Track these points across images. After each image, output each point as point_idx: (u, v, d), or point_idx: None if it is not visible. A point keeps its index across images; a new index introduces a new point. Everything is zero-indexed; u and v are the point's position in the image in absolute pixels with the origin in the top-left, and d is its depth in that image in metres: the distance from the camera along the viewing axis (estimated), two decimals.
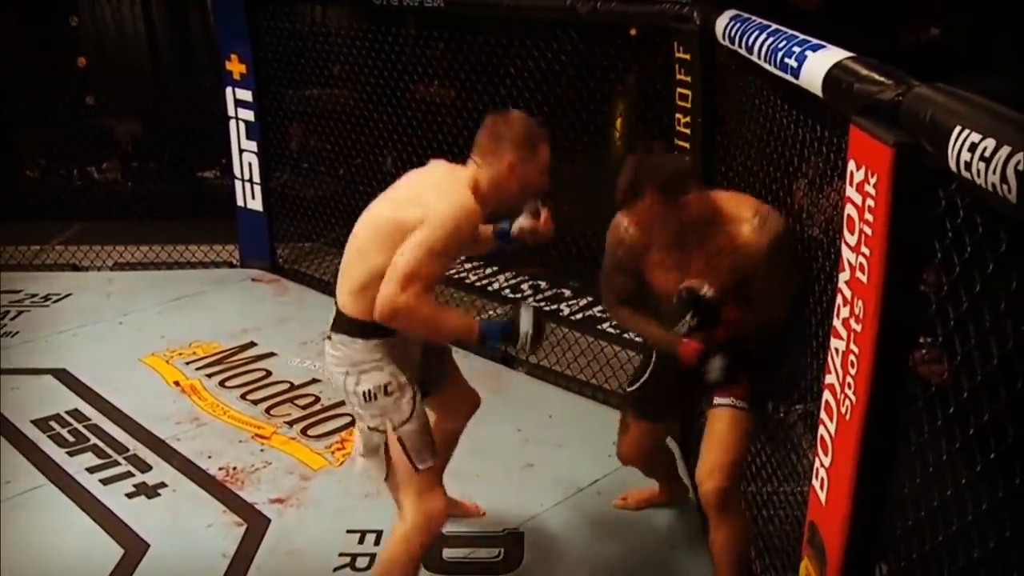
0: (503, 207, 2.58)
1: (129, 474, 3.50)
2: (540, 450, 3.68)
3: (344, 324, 2.47)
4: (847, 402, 1.73)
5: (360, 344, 2.44)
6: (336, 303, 2.51)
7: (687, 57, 3.20)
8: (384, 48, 4.85)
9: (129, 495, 3.38)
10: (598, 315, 4.89)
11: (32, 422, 3.84)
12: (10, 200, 6.56)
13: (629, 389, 2.98)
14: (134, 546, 3.09)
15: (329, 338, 2.52)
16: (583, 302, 5.04)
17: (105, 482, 3.44)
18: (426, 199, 2.37)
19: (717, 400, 2.57)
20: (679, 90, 3.28)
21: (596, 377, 4.16)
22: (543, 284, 5.28)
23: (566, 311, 4.96)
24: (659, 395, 2.87)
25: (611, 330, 4.67)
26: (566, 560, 3.05)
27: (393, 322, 2.34)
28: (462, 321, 2.57)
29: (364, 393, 2.44)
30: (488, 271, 5.51)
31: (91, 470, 3.52)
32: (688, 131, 3.27)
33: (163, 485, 3.43)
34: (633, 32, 4.02)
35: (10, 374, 4.26)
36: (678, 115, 3.31)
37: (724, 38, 2.79)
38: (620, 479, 3.46)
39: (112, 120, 7.18)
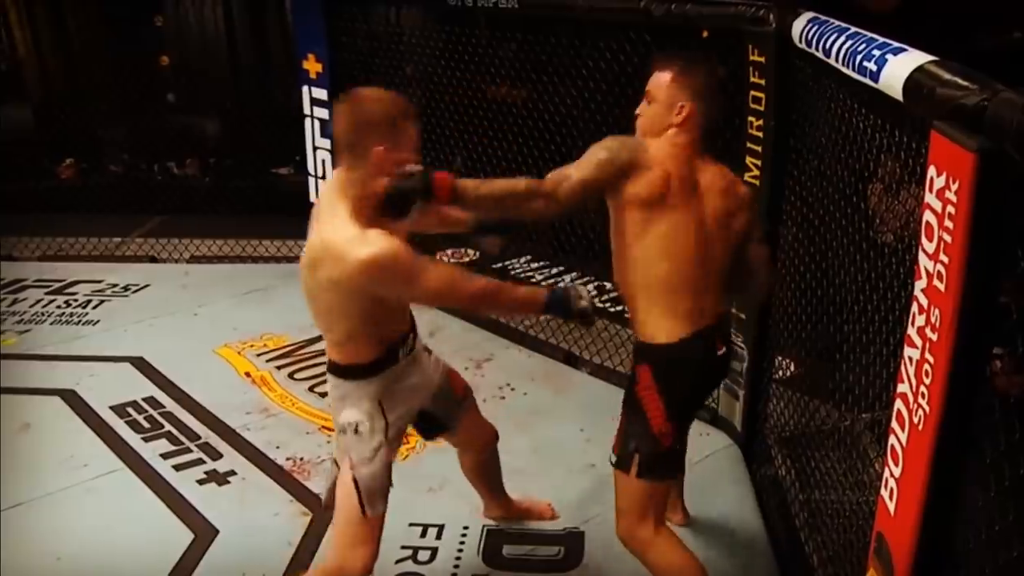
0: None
1: (201, 461, 3.57)
2: (602, 451, 3.62)
3: (332, 366, 2.38)
4: (920, 412, 1.68)
5: (343, 383, 2.36)
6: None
7: (762, 60, 3.14)
8: (456, 49, 4.86)
9: (200, 482, 3.44)
10: None
11: (110, 408, 3.94)
12: (94, 194, 6.77)
13: None
14: (204, 531, 3.14)
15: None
16: None
17: (178, 468, 3.50)
18: (334, 250, 2.12)
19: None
20: (752, 93, 3.22)
21: None
22: (608, 285, 5.24)
23: None
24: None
25: None
26: (625, 561, 3.00)
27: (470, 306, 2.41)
28: (525, 293, 2.48)
29: (342, 426, 2.37)
30: (555, 271, 5.49)
31: (165, 456, 3.59)
32: (760, 134, 3.22)
33: (233, 473, 3.49)
34: (704, 34, 3.97)
35: (90, 360, 4.38)
36: (750, 118, 3.25)
37: (801, 41, 2.73)
38: (683, 483, 3.42)
39: (192, 118, 7.33)
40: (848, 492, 2.84)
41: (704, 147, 2.39)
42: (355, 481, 2.34)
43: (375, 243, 2.08)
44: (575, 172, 2.29)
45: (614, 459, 2.49)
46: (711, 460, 3.59)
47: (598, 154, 2.29)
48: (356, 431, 2.33)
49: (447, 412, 2.67)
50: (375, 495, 2.37)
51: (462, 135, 5.07)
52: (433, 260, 2.28)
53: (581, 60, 4.36)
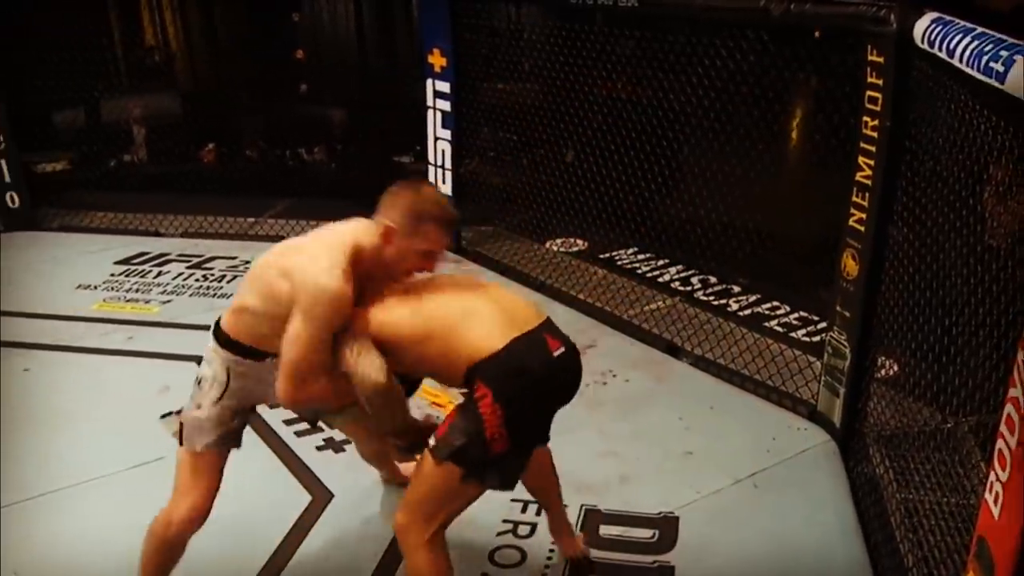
0: (379, 275, 2.35)
1: (319, 429, 3.65)
2: (700, 439, 3.59)
3: (218, 331, 2.47)
4: None
5: (217, 345, 2.46)
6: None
7: (880, 60, 3.02)
8: (574, 45, 4.83)
9: (319, 448, 3.52)
10: (764, 312, 4.73)
11: None
12: (232, 177, 7.02)
13: None
14: (320, 494, 3.22)
15: None
16: (751, 299, 4.88)
17: (299, 435, 3.59)
18: (295, 267, 2.25)
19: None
20: (868, 93, 3.09)
21: (760, 373, 4.02)
22: (713, 279, 5.15)
23: (734, 307, 4.82)
24: None
25: (778, 328, 4.53)
26: (718, 548, 2.96)
27: (296, 408, 2.44)
28: (350, 395, 2.36)
29: (197, 378, 2.49)
30: (660, 262, 5.42)
31: (287, 422, 3.67)
32: (875, 134, 3.09)
33: (348, 442, 3.56)
34: (816, 34, 3.85)
35: None
36: (865, 118, 3.12)
37: (923, 41, 2.61)
38: (778, 474, 3.34)
39: (322, 108, 7.52)
40: (948, 494, 2.72)
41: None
42: (184, 420, 2.47)
43: (334, 292, 2.19)
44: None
45: (431, 443, 2.28)
46: (807, 455, 3.49)
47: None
48: (199, 383, 2.47)
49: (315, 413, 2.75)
50: (193, 435, 2.45)
51: (575, 129, 5.05)
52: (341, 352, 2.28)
53: (697, 58, 4.27)
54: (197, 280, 5.31)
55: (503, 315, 2.27)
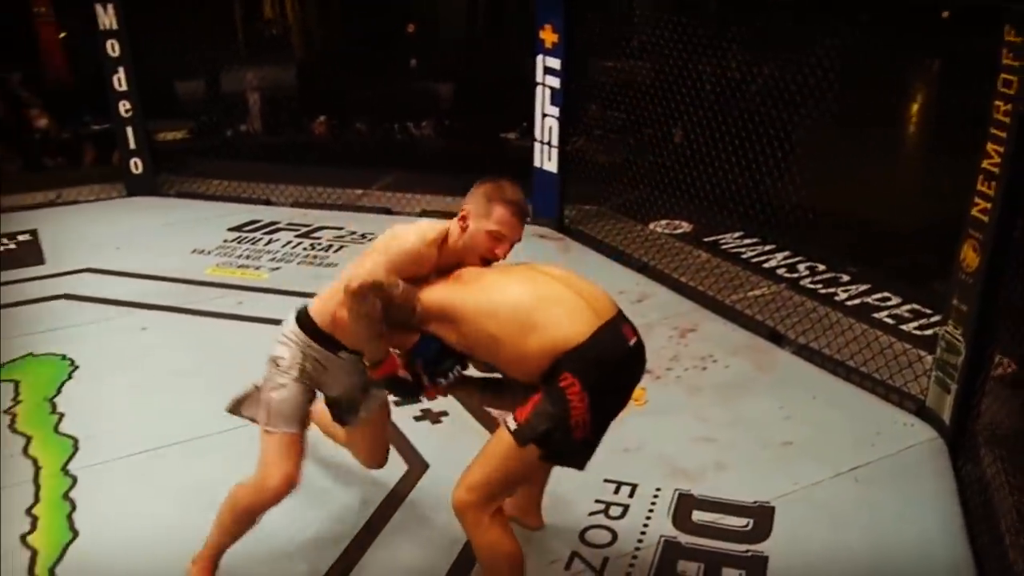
0: (455, 262, 2.43)
1: (418, 400, 3.69)
2: (800, 429, 3.50)
3: (303, 316, 2.56)
4: None
5: (298, 329, 2.54)
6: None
7: (1018, 40, 2.85)
8: (684, 26, 4.74)
9: (416, 418, 3.56)
10: (874, 303, 4.57)
11: None
12: (342, 148, 7.16)
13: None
14: (416, 464, 3.27)
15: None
16: (860, 288, 4.72)
17: (397, 404, 3.64)
18: (402, 226, 2.45)
19: (509, 420, 2.29)
20: (1003, 76, 2.93)
21: (866, 365, 3.89)
22: (821, 267, 4.99)
23: (842, 296, 4.67)
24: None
25: (888, 320, 4.36)
26: (813, 541, 2.88)
27: (347, 298, 2.36)
28: (381, 349, 2.40)
29: (270, 356, 2.56)
30: (767, 247, 5.29)
31: None
32: (1007, 120, 2.92)
33: (445, 414, 3.60)
34: (944, 15, 3.66)
35: None
36: (997, 102, 2.96)
37: None
38: (881, 469, 3.23)
39: (430, 82, 7.59)
40: None
41: None
42: (266, 404, 2.52)
43: (425, 238, 2.37)
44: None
45: (515, 427, 2.26)
46: (913, 451, 3.37)
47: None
48: (276, 364, 2.54)
49: (346, 414, 2.77)
50: (277, 417, 2.50)
51: (683, 109, 4.95)
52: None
53: (814, 39, 4.13)
54: (305, 249, 5.44)
55: (585, 303, 2.28)
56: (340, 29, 8.07)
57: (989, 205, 3.08)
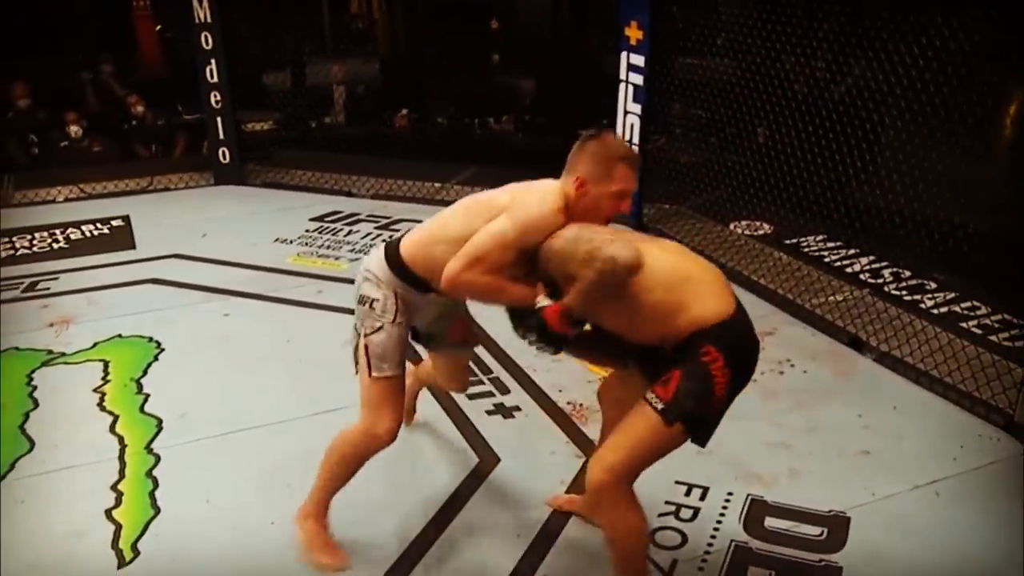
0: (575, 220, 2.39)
1: (491, 394, 3.72)
2: (879, 439, 3.41)
3: (392, 252, 2.56)
4: None
5: (387, 269, 2.54)
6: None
7: None
8: (771, 23, 4.65)
9: (489, 412, 3.58)
10: (962, 312, 4.42)
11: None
12: (422, 143, 7.22)
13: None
14: (488, 457, 3.28)
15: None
16: (947, 296, 4.57)
17: (471, 397, 3.67)
18: (516, 190, 2.42)
19: (645, 395, 2.26)
20: None
21: (951, 376, 3.76)
22: (906, 273, 4.85)
23: (927, 303, 4.52)
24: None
25: (975, 330, 4.21)
26: (889, 555, 2.81)
27: (452, 292, 2.42)
28: (524, 291, 2.37)
29: (360, 296, 2.58)
30: (850, 251, 5.17)
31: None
32: None
33: (518, 408, 3.61)
34: None
35: None
36: None
37: None
38: (962, 482, 3.13)
39: (512, 78, 7.60)
40: None
41: None
42: (365, 347, 2.54)
43: (551, 208, 2.34)
44: (596, 234, 2.30)
45: (662, 406, 2.21)
46: (998, 467, 3.25)
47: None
48: (371, 306, 2.55)
49: (430, 340, 2.84)
50: (381, 360, 2.53)
51: (767, 108, 4.86)
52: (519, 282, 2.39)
53: (902, 37, 4.00)
54: (384, 240, 5.48)
55: (723, 284, 2.34)
56: (424, 24, 8.14)
57: None
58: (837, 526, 2.92)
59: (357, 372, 2.61)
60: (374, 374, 2.55)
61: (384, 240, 5.40)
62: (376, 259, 2.60)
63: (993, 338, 4.15)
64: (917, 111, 4.25)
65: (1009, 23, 3.58)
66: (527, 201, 2.36)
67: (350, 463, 2.63)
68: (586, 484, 2.32)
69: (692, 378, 2.21)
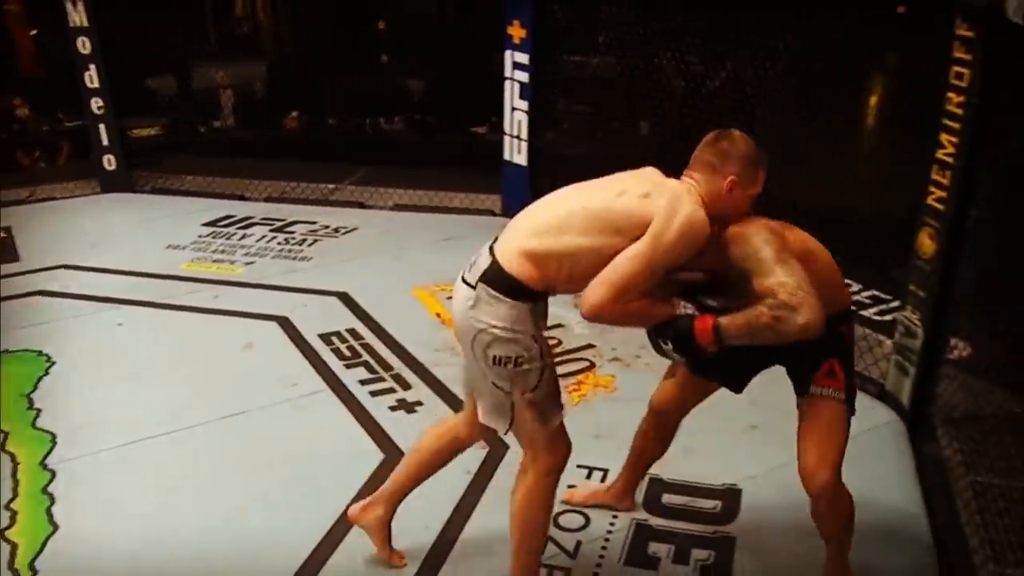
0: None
1: (393, 390, 3.69)
2: (766, 413, 3.52)
3: (496, 277, 2.19)
4: None
5: (507, 304, 2.17)
6: (492, 252, 2.26)
7: (970, 34, 2.89)
8: (650, 19, 4.75)
9: (392, 408, 3.56)
10: None
11: (318, 336, 4.14)
12: (314, 144, 7.11)
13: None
14: (392, 452, 3.25)
15: (469, 284, 2.24)
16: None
17: (373, 394, 3.64)
18: (657, 199, 2.15)
19: (819, 390, 2.37)
20: (955, 68, 2.97)
21: None
22: None
23: None
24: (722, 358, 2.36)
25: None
26: (779, 521, 2.92)
27: (596, 321, 2.18)
28: (667, 310, 2.24)
29: (494, 357, 2.20)
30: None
31: (363, 382, 3.74)
32: (959, 111, 2.97)
33: (420, 404, 3.60)
34: (901, 9, 3.70)
35: (303, 293, 4.62)
36: (950, 94, 3.00)
37: (1015, 14, 2.49)
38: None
39: (401, 78, 7.56)
40: (1019, 478, 2.64)
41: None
42: (530, 405, 2.26)
43: (701, 219, 2.14)
44: (794, 276, 2.09)
45: (841, 394, 2.37)
46: (874, 433, 3.40)
47: (781, 250, 2.18)
48: (516, 364, 2.20)
49: None
50: (548, 411, 2.29)
51: (649, 103, 4.97)
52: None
53: (771, 34, 4.15)
54: (279, 243, 5.41)
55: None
56: (310, 26, 8.01)
57: (944, 194, 3.13)
58: (730, 498, 3.02)
59: (508, 431, 2.34)
60: (550, 426, 2.31)
61: (279, 243, 5.35)
62: (485, 296, 2.19)
63: (865, 313, 4.35)
64: (787, 103, 4.42)
65: (867, 19, 3.75)
66: (673, 216, 2.11)
67: (542, 518, 2.42)
68: (814, 490, 2.37)
69: (847, 365, 2.41)
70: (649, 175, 2.31)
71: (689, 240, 2.13)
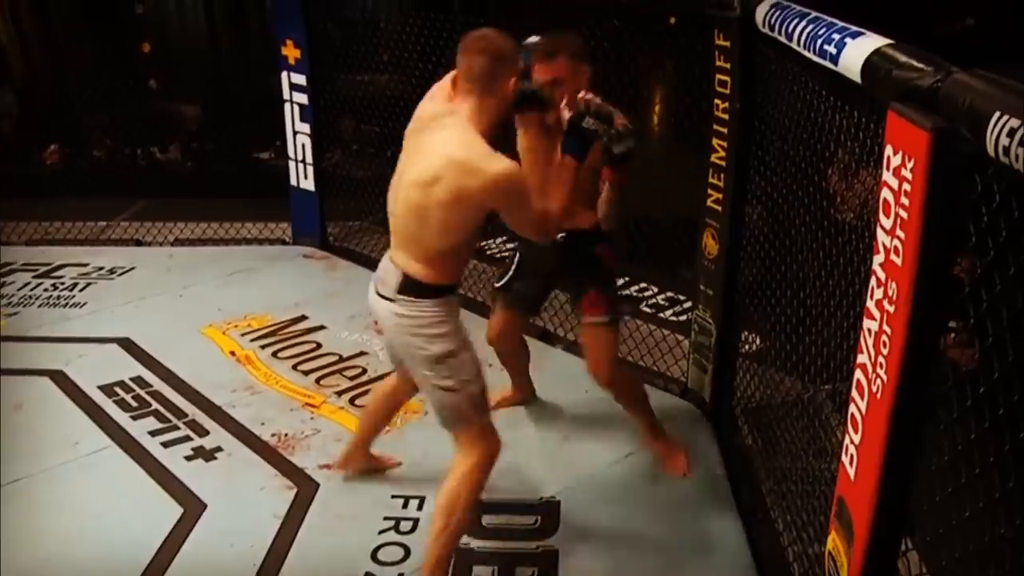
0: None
1: (188, 438, 3.55)
2: (576, 423, 3.68)
3: (411, 286, 2.42)
4: (878, 381, 1.71)
5: (427, 303, 2.43)
6: (396, 267, 2.47)
7: (727, 44, 3.15)
8: (431, 35, 4.82)
9: (188, 458, 3.42)
10: (634, 294, 4.86)
11: (99, 387, 3.91)
12: (79, 179, 6.67)
13: (497, 285, 3.40)
14: (192, 506, 3.14)
15: (388, 299, 2.47)
16: (621, 281, 4.98)
17: (166, 445, 3.49)
18: (466, 165, 2.26)
19: (588, 320, 3.13)
20: (718, 76, 3.22)
21: (632, 354, 4.13)
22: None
23: None
24: (526, 291, 3.33)
25: (647, 309, 4.65)
26: (600, 526, 3.05)
27: (558, 233, 2.69)
28: (562, 170, 2.52)
29: (434, 357, 2.45)
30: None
31: (153, 433, 3.57)
32: (726, 116, 3.23)
33: (219, 449, 3.48)
34: (672, 21, 3.97)
35: (78, 342, 4.33)
36: (716, 100, 3.26)
37: (764, 25, 2.74)
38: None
39: (173, 103, 7.26)
40: (811, 460, 2.87)
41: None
42: (470, 398, 2.50)
43: (506, 161, 2.25)
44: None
45: (605, 319, 3.11)
46: (680, 429, 3.61)
47: None
48: (451, 356, 2.45)
49: None
50: (482, 399, 2.55)
51: None
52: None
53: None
54: (46, 290, 5.05)
55: None
56: (65, 50, 7.54)
57: (721, 195, 3.38)
58: (549, 511, 3.12)
59: (453, 431, 2.58)
60: (485, 418, 2.57)
61: (46, 289, 4.99)
62: (407, 305, 2.44)
63: (663, 315, 4.61)
64: None
65: (643, 28, 3.99)
66: (492, 186, 2.25)
67: (478, 495, 2.62)
68: (604, 385, 3.23)
69: (608, 286, 3.15)
70: (440, 132, 2.38)
71: (521, 182, 2.31)
